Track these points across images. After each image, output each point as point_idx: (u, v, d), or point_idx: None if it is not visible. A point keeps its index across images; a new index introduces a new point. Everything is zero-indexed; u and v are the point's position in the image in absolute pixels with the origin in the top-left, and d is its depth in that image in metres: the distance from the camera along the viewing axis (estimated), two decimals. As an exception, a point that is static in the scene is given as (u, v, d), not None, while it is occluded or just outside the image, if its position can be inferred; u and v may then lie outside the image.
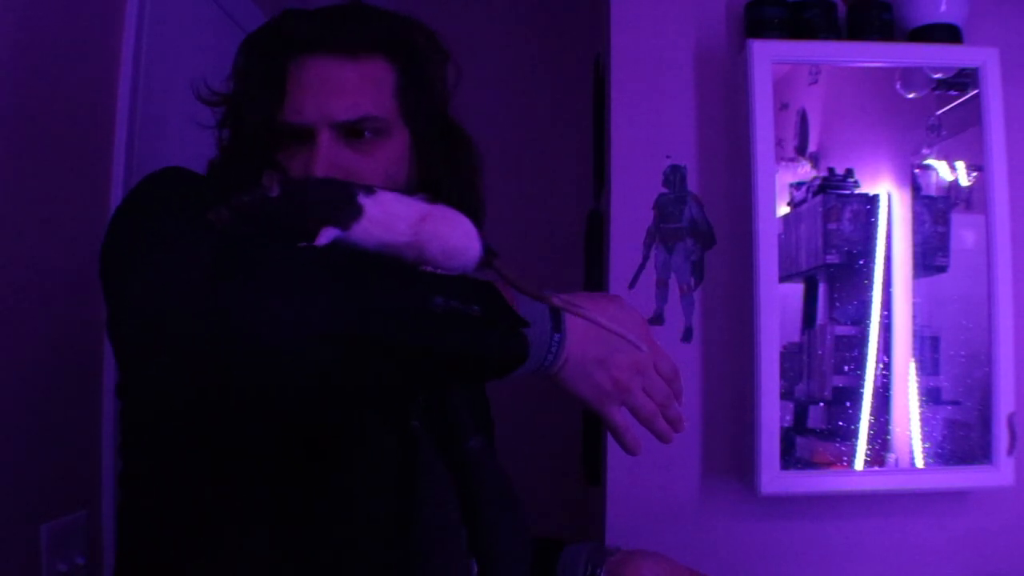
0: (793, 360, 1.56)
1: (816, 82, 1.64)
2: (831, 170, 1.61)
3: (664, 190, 1.62)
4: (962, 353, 1.57)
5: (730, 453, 1.60)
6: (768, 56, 1.53)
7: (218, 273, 0.63)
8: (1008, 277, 1.52)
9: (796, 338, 1.59)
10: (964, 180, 1.61)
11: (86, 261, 1.25)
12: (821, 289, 1.61)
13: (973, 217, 1.58)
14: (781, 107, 1.58)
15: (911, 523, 1.59)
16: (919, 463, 1.56)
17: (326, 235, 0.70)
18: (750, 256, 1.52)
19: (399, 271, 0.72)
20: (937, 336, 1.59)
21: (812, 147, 1.63)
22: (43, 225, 1.14)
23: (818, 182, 1.60)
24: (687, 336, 1.60)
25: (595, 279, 1.79)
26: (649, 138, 1.63)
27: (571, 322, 0.76)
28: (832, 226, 1.58)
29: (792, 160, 1.62)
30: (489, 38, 2.39)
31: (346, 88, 0.85)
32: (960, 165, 1.61)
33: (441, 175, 0.92)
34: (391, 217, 0.72)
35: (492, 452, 1.00)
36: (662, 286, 1.61)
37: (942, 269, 1.60)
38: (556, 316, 0.76)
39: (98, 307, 1.26)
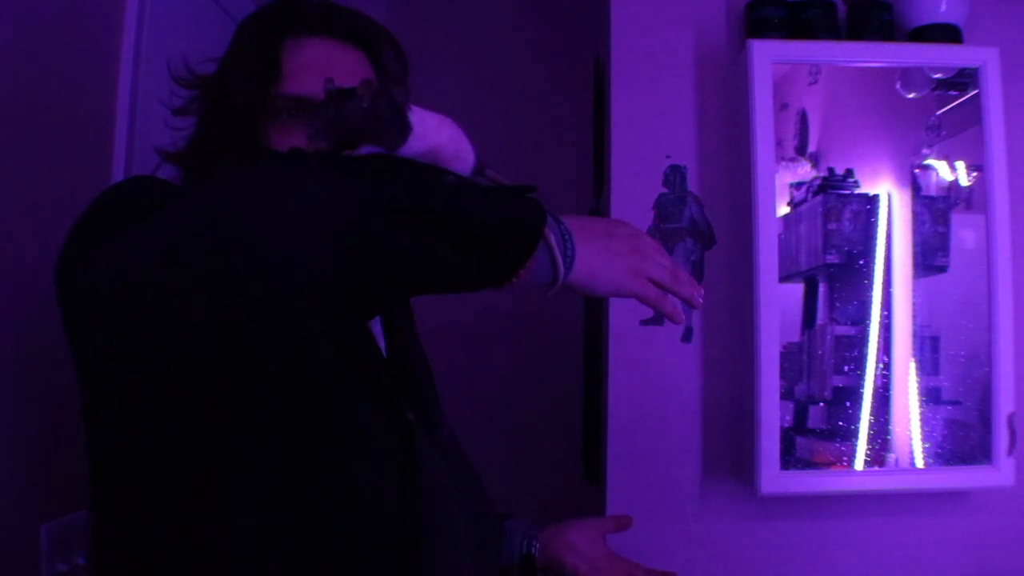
0: (793, 360, 1.56)
1: (816, 82, 1.64)
2: (831, 170, 1.61)
3: (664, 190, 1.62)
4: (962, 353, 1.57)
5: (730, 453, 1.60)
6: (768, 56, 1.53)
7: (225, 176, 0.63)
8: (1008, 277, 1.52)
9: (796, 338, 1.59)
10: (964, 180, 1.61)
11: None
12: (821, 289, 1.61)
13: (973, 217, 1.58)
14: (781, 107, 1.58)
15: (911, 523, 1.59)
16: (919, 463, 1.56)
17: (368, 150, 0.72)
18: (750, 256, 1.52)
19: (407, 162, 0.73)
20: (937, 336, 1.59)
21: (812, 147, 1.63)
22: (43, 226, 1.14)
23: (818, 182, 1.60)
24: (687, 336, 1.60)
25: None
26: (649, 138, 1.63)
27: (564, 217, 0.76)
28: (832, 226, 1.58)
29: (792, 160, 1.62)
30: (489, 38, 2.40)
31: (349, 67, 0.89)
32: (960, 165, 1.61)
33: None
34: (424, 126, 0.76)
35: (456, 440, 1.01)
36: (662, 286, 1.61)
37: (942, 269, 1.60)
38: (550, 213, 0.75)
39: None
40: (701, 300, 0.80)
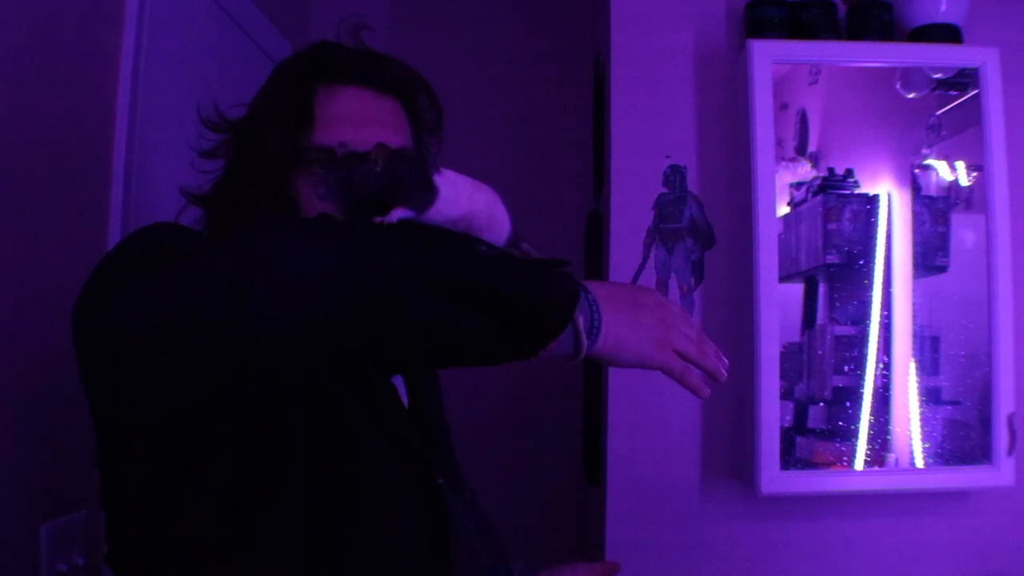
0: (793, 360, 1.56)
1: (816, 82, 1.64)
2: (831, 170, 1.61)
3: (664, 190, 1.62)
4: (962, 353, 1.57)
5: (730, 453, 1.60)
6: (768, 56, 1.53)
7: (255, 228, 0.63)
8: (1008, 277, 1.52)
9: (796, 338, 1.59)
10: (964, 180, 1.61)
11: (85, 263, 1.25)
12: (821, 289, 1.61)
13: (973, 217, 1.58)
14: (781, 107, 1.58)
15: (911, 523, 1.59)
16: (919, 463, 1.56)
17: (399, 214, 0.72)
18: (750, 256, 1.52)
19: (438, 230, 0.73)
20: (937, 336, 1.59)
21: (812, 147, 1.63)
22: (42, 228, 1.14)
23: (818, 182, 1.60)
24: (687, 336, 1.60)
25: (595, 279, 1.79)
26: (649, 138, 1.63)
27: (592, 286, 0.75)
28: (832, 226, 1.58)
29: (792, 160, 1.62)
30: (489, 38, 2.39)
31: (383, 119, 0.87)
32: (960, 165, 1.61)
33: None
34: (456, 190, 0.75)
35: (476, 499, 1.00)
36: (662, 286, 1.61)
37: (942, 269, 1.60)
38: (579, 281, 0.74)
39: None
40: (726, 373, 0.78)
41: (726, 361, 0.79)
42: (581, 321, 0.69)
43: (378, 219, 0.71)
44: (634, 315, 0.74)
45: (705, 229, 1.63)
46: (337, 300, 0.60)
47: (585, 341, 0.70)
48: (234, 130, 0.90)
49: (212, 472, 0.72)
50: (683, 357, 0.76)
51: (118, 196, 1.30)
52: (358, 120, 0.85)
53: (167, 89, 1.49)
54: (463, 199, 0.75)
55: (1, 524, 1.04)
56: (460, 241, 0.72)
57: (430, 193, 0.73)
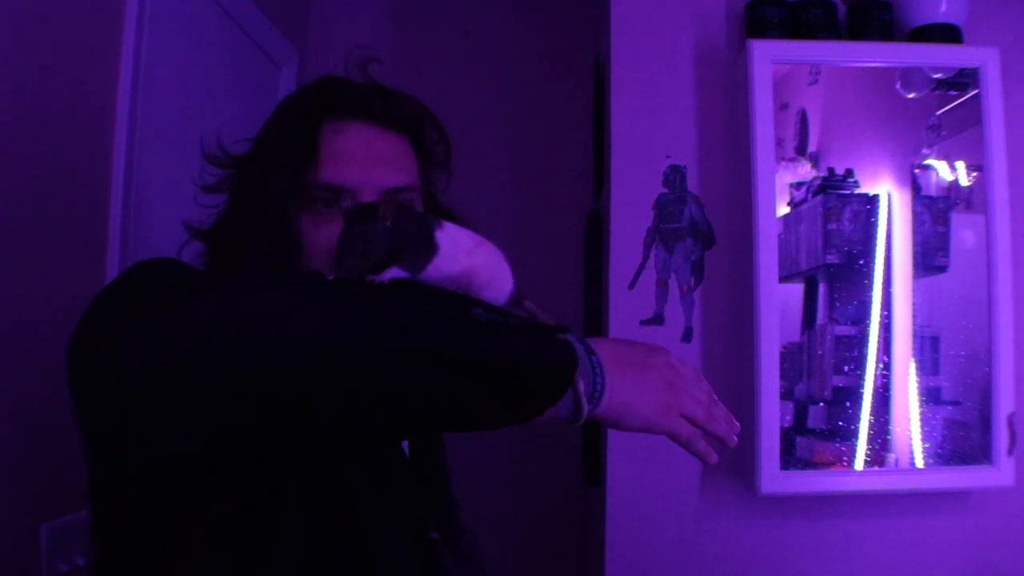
0: (793, 360, 1.56)
1: (816, 82, 1.64)
2: (831, 170, 1.61)
3: (664, 190, 1.62)
4: (962, 353, 1.57)
5: (730, 453, 1.59)
6: (768, 56, 1.53)
7: (247, 298, 0.61)
8: (1008, 277, 1.52)
9: (796, 338, 1.59)
10: (964, 180, 1.61)
11: (85, 261, 1.25)
12: (821, 289, 1.61)
13: (973, 217, 1.58)
14: (781, 107, 1.58)
15: (911, 523, 1.59)
16: (919, 463, 1.56)
17: (393, 273, 0.69)
18: (750, 256, 1.52)
19: (432, 290, 0.71)
20: (937, 336, 1.59)
21: (812, 147, 1.63)
22: (43, 228, 1.14)
23: (818, 182, 1.60)
24: (687, 336, 1.60)
25: (595, 279, 1.79)
26: (649, 138, 1.63)
27: (598, 346, 0.72)
28: (832, 226, 1.58)
29: (792, 160, 1.62)
30: (489, 38, 2.40)
31: (389, 156, 0.85)
32: (960, 165, 1.61)
33: None
34: (456, 247, 0.72)
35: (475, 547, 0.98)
36: (662, 286, 1.61)
37: (942, 269, 1.60)
38: (584, 342, 0.71)
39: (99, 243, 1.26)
40: (736, 439, 0.76)
41: (737, 425, 0.77)
42: (582, 386, 0.66)
43: (371, 277, 0.68)
44: (640, 377, 0.71)
45: (705, 229, 1.63)
46: (322, 369, 0.58)
47: (586, 406, 0.67)
48: (238, 166, 0.88)
49: (206, 523, 0.70)
50: (691, 422, 0.73)
51: (118, 195, 1.31)
52: (363, 158, 0.83)
53: (167, 89, 1.49)
54: (462, 255, 0.73)
55: (1, 524, 1.04)
56: (454, 305, 0.67)
57: (430, 250, 0.70)
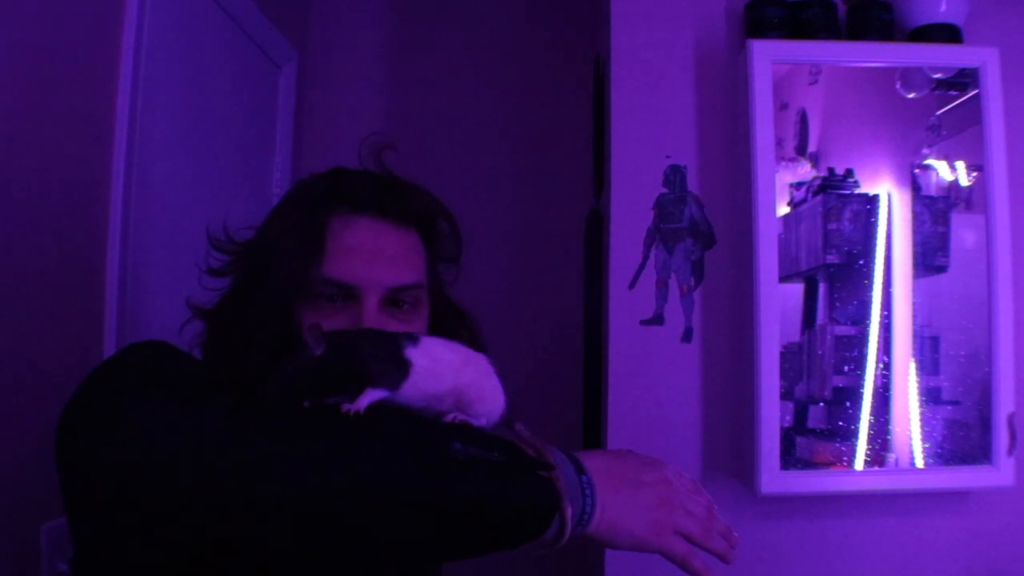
0: (793, 360, 1.56)
1: (816, 82, 1.64)
2: (831, 170, 1.61)
3: (664, 190, 1.62)
4: (962, 353, 1.57)
5: (730, 453, 1.60)
6: (768, 56, 1.53)
7: (229, 429, 0.61)
8: (1008, 277, 1.52)
9: (796, 338, 1.59)
10: (964, 180, 1.61)
11: (84, 259, 1.25)
12: (821, 289, 1.61)
13: (973, 217, 1.58)
14: (781, 107, 1.58)
15: (911, 523, 1.59)
16: (919, 463, 1.56)
17: (369, 396, 0.67)
18: (750, 256, 1.52)
19: (412, 418, 0.69)
20: (937, 336, 1.59)
21: (812, 147, 1.63)
22: (43, 227, 1.14)
23: (818, 182, 1.60)
24: (687, 336, 1.60)
25: (595, 279, 1.79)
26: (649, 138, 1.63)
27: (590, 462, 0.71)
28: (832, 226, 1.58)
29: (792, 160, 1.62)
30: (490, 38, 2.40)
31: (397, 254, 0.84)
32: (960, 165, 1.61)
33: None
34: (436, 364, 0.71)
35: None
36: (662, 286, 1.61)
37: (942, 269, 1.60)
38: (575, 460, 0.71)
39: (96, 306, 1.26)
40: (735, 553, 0.75)
41: (736, 537, 0.76)
42: (569, 512, 0.66)
43: (347, 407, 0.66)
44: (632, 494, 0.70)
45: (705, 229, 1.63)
46: (295, 522, 0.59)
47: (570, 530, 0.66)
48: (243, 252, 0.87)
49: None
50: (687, 539, 0.72)
51: (118, 195, 1.31)
52: (370, 254, 0.81)
53: (167, 89, 1.49)
54: (447, 373, 0.71)
55: (1, 524, 1.04)
56: (433, 440, 0.65)
57: (403, 368, 0.68)
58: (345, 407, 0.66)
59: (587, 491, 0.68)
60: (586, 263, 1.96)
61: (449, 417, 0.70)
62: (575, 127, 2.21)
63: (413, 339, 0.71)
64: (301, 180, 0.90)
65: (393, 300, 0.83)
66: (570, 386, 2.08)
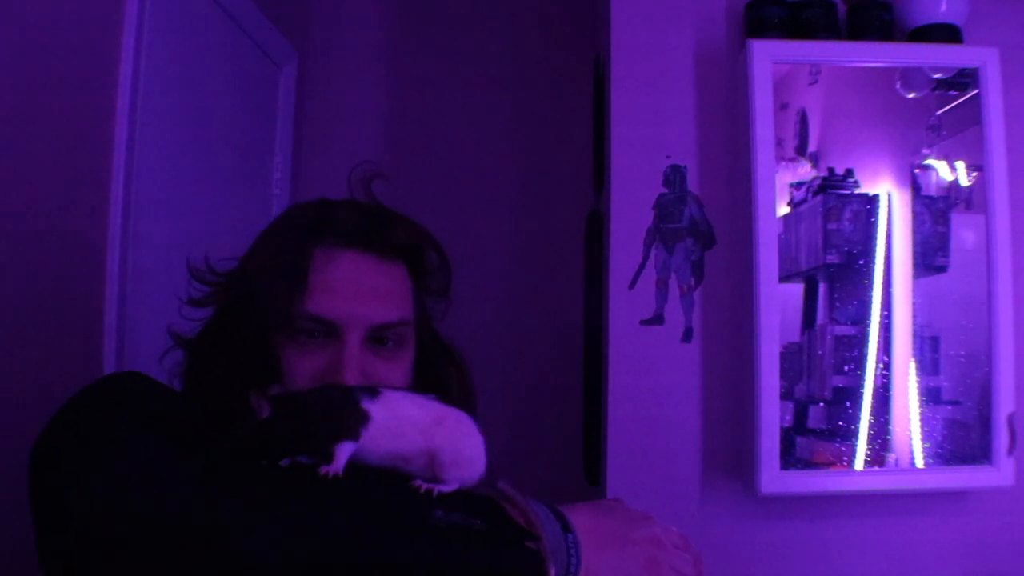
0: (793, 360, 1.56)
1: (816, 82, 1.64)
2: (831, 170, 1.61)
3: (664, 190, 1.62)
4: (962, 353, 1.57)
5: (730, 453, 1.60)
6: (768, 56, 1.53)
7: (204, 488, 0.60)
8: (1008, 277, 1.52)
9: (796, 338, 1.59)
10: (964, 180, 1.61)
11: (84, 259, 1.25)
12: (821, 289, 1.61)
13: (973, 217, 1.58)
14: (781, 107, 1.58)
15: (911, 523, 1.59)
16: (919, 463, 1.56)
17: (344, 451, 0.64)
18: (750, 256, 1.52)
19: (393, 481, 0.67)
20: (937, 336, 1.59)
21: (812, 147, 1.63)
22: (43, 225, 1.14)
23: (818, 182, 1.60)
24: (687, 336, 1.60)
25: (595, 279, 1.79)
26: (649, 138, 1.63)
27: (577, 518, 0.71)
28: (832, 226, 1.58)
29: (792, 160, 1.62)
30: (489, 38, 2.39)
31: (381, 289, 0.81)
32: (960, 165, 1.61)
33: (439, 388, 0.88)
34: (400, 422, 0.67)
35: None
36: (662, 286, 1.61)
37: (942, 269, 1.60)
38: (560, 517, 0.70)
39: (96, 306, 1.27)
40: None
41: None
42: (553, 573, 0.65)
43: (324, 468, 0.64)
44: (619, 554, 0.70)
45: (705, 229, 1.63)
46: None
47: None
48: (225, 283, 0.84)
49: None
50: None
51: (118, 195, 1.31)
52: (354, 290, 0.78)
53: (167, 89, 1.49)
54: (412, 433, 0.67)
55: (1, 524, 1.04)
56: (414, 508, 0.64)
57: (361, 418, 0.66)
58: (323, 469, 0.63)
59: (572, 551, 0.67)
60: (586, 263, 1.96)
61: (415, 483, 0.66)
62: (575, 127, 2.20)
63: (372, 392, 0.68)
64: (285, 210, 0.87)
65: (377, 337, 0.80)
66: (570, 386, 2.08)
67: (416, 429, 0.68)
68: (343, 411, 0.66)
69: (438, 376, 0.89)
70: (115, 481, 0.61)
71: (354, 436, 0.65)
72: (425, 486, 0.66)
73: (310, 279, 0.77)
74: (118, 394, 0.72)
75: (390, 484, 0.67)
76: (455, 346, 0.93)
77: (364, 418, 0.66)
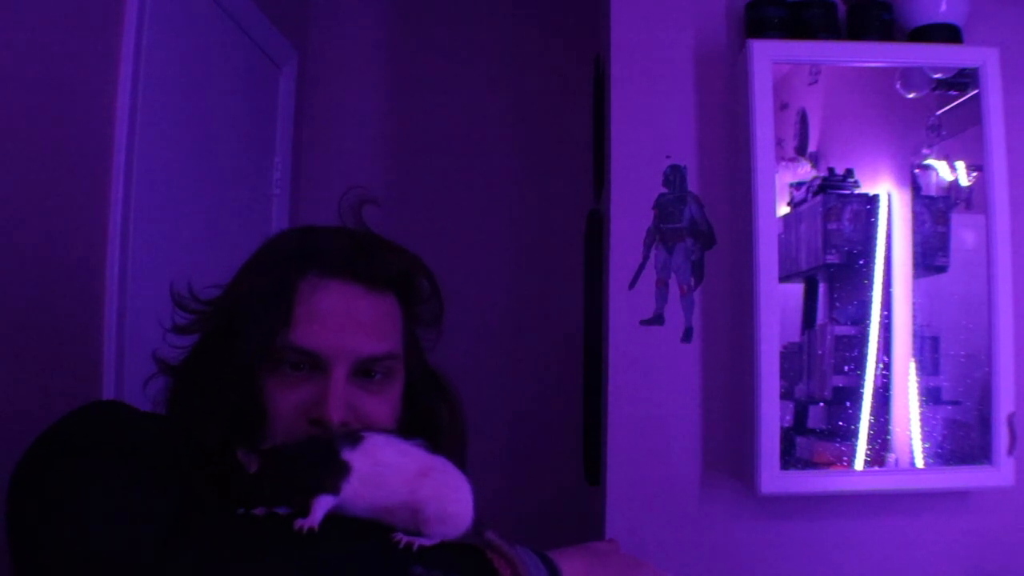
0: (793, 360, 1.56)
1: (816, 82, 1.64)
2: (831, 170, 1.61)
3: (664, 190, 1.62)
4: (962, 353, 1.57)
5: (730, 453, 1.60)
6: (768, 56, 1.53)
7: (174, 539, 0.59)
8: (1008, 277, 1.52)
9: (796, 338, 1.59)
10: (964, 180, 1.61)
11: (84, 259, 1.25)
12: (821, 289, 1.61)
13: (973, 217, 1.58)
14: (781, 107, 1.58)
15: (911, 523, 1.59)
16: (919, 463, 1.56)
17: (321, 505, 0.63)
18: (750, 256, 1.52)
19: (372, 534, 0.65)
20: (937, 336, 1.59)
21: (812, 147, 1.63)
22: (43, 222, 1.14)
23: (818, 182, 1.60)
24: (687, 336, 1.60)
25: (595, 279, 1.79)
26: (649, 138, 1.63)
27: (567, 565, 0.69)
28: (832, 226, 1.58)
29: (792, 160, 1.62)
30: (489, 38, 2.40)
31: (369, 321, 0.78)
32: (960, 165, 1.61)
33: (429, 422, 0.85)
34: (383, 472, 0.66)
35: None
36: (662, 286, 1.61)
37: (942, 269, 1.60)
38: (550, 565, 0.69)
39: (96, 307, 1.27)
40: None
41: None
42: None
43: (300, 523, 0.63)
44: None
45: (705, 229, 1.63)
46: None
47: None
48: (209, 312, 0.81)
49: None
50: None
51: (118, 195, 1.31)
52: (341, 321, 0.76)
53: (167, 89, 1.49)
54: (395, 484, 0.65)
55: (1, 524, 1.04)
56: (393, 559, 0.62)
57: (340, 470, 0.64)
58: (298, 523, 0.62)
59: None
60: (586, 263, 1.96)
61: (396, 536, 0.65)
62: (575, 127, 2.21)
63: (353, 439, 0.66)
64: (271, 237, 0.84)
65: (364, 370, 0.77)
66: (570, 386, 2.08)
67: (400, 479, 0.66)
68: (322, 464, 0.64)
69: (428, 410, 0.86)
70: (83, 518, 0.60)
71: (334, 490, 0.63)
72: (405, 540, 0.64)
73: (296, 309, 0.75)
74: (95, 425, 0.71)
75: (369, 538, 0.65)
76: (446, 377, 0.90)
77: (344, 470, 0.64)
